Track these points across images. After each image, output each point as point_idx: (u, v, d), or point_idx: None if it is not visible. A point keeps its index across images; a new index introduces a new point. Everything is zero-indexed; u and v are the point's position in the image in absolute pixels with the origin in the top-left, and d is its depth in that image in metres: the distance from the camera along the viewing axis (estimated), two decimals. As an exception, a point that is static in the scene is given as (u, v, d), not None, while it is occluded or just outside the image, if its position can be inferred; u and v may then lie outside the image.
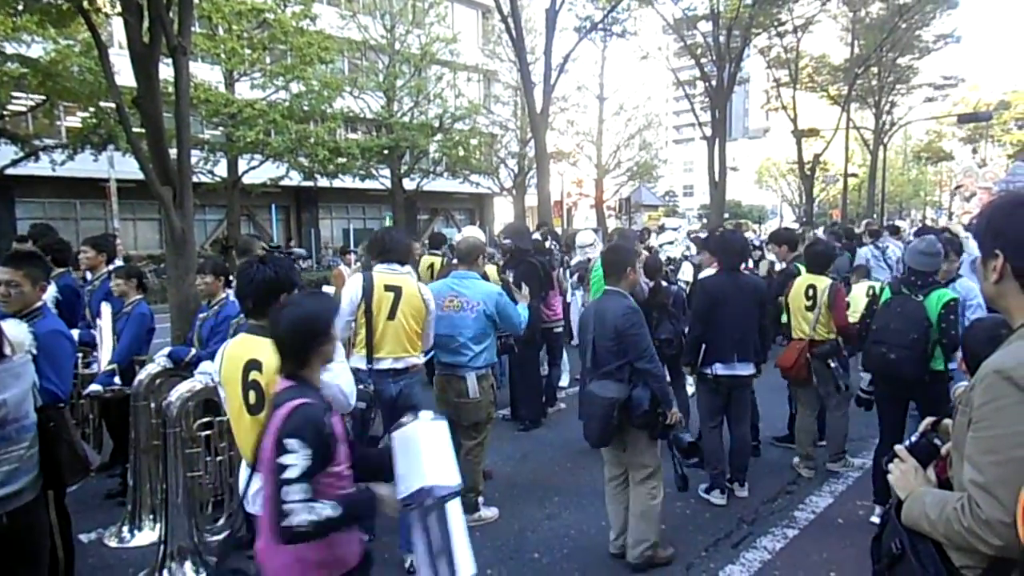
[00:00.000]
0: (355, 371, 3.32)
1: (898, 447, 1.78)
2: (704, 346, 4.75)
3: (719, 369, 4.72)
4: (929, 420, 1.88)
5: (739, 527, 4.44)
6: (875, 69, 29.06)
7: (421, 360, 4.19)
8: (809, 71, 29.26)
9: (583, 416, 3.84)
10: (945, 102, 39.00)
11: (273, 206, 14.50)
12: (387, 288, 4.02)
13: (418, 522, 1.70)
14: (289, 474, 1.91)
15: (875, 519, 4.45)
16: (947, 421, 1.80)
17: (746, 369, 4.74)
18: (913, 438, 1.84)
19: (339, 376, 2.58)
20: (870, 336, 4.48)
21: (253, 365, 2.57)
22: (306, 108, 18.04)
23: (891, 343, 4.27)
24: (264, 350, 2.51)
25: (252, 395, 2.57)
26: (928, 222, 32.50)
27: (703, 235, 10.89)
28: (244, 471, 2.69)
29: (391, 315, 4.00)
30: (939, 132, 47.29)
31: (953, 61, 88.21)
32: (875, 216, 29.64)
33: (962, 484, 1.47)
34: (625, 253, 4.09)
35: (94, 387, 4.46)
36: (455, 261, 4.90)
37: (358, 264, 9.10)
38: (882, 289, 4.80)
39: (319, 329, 2.23)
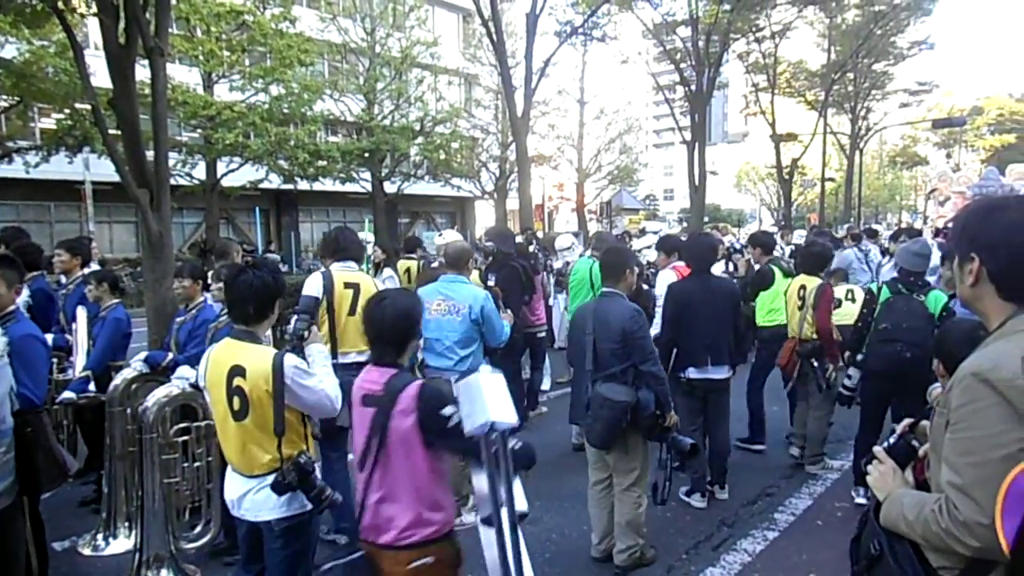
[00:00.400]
0: None
1: (876, 449, 1.79)
2: (676, 351, 4.75)
3: (692, 373, 4.70)
4: (907, 422, 1.90)
5: (719, 530, 4.46)
6: (851, 75, 29.55)
7: None
8: (787, 76, 29.67)
9: (585, 418, 3.80)
10: (920, 107, 39.82)
11: (256, 209, 14.35)
12: (346, 285, 4.14)
13: (484, 453, 1.83)
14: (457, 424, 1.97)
15: (861, 500, 4.63)
16: (924, 423, 1.82)
17: (720, 373, 4.73)
18: (891, 440, 1.86)
19: (324, 381, 2.60)
20: (878, 335, 4.54)
21: (237, 371, 2.54)
22: (286, 111, 17.90)
23: (906, 341, 4.36)
24: (249, 355, 2.55)
25: (236, 401, 2.54)
26: (905, 225, 33.01)
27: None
28: (230, 476, 2.69)
29: (351, 311, 4.10)
30: (914, 137, 48.12)
31: (927, 67, 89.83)
32: (852, 220, 30.06)
33: (939, 486, 1.49)
34: (624, 255, 4.15)
35: (67, 394, 4.38)
36: (435, 264, 4.92)
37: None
38: (879, 289, 4.82)
39: (415, 322, 2.45)
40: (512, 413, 1.96)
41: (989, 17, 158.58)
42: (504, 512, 1.77)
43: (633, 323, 3.73)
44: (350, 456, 2.89)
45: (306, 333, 3.05)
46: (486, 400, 1.96)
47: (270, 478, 2.53)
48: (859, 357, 4.73)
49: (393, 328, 2.37)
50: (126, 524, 4.20)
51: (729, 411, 5.00)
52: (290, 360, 2.54)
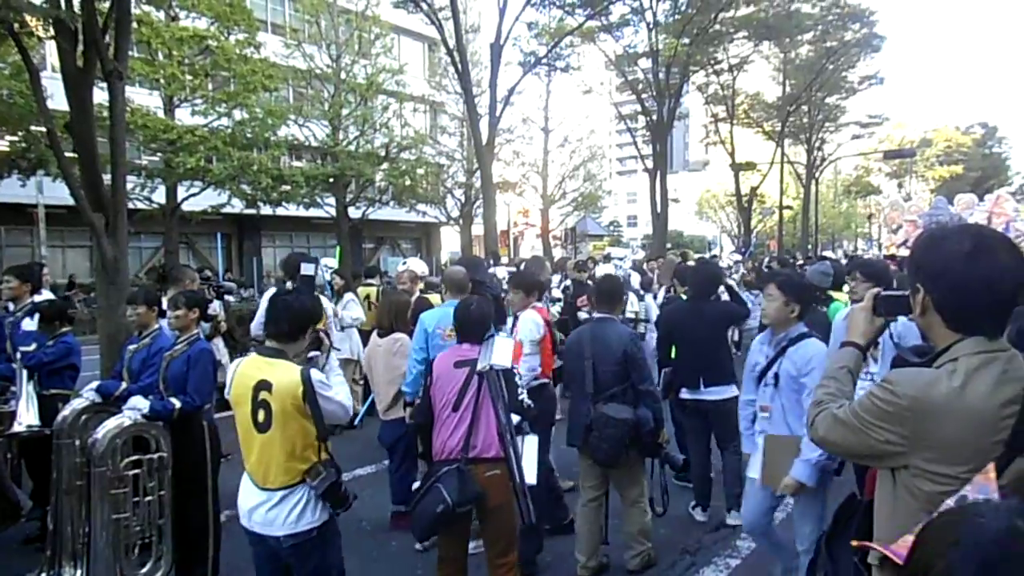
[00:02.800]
0: None
1: (874, 290, 1.87)
2: (670, 372, 5.02)
3: (684, 394, 4.94)
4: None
5: (682, 558, 4.46)
6: (805, 107, 30.55)
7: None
8: (745, 108, 30.51)
9: (586, 439, 3.94)
10: (871, 139, 41.23)
11: (219, 235, 14.14)
12: None
13: (489, 383, 3.27)
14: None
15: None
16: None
17: (717, 393, 4.81)
18: (890, 292, 1.89)
19: (340, 393, 2.87)
20: None
21: (263, 385, 2.73)
22: (249, 135, 17.72)
23: None
24: (276, 371, 2.75)
25: (261, 414, 2.73)
26: (859, 252, 33.91)
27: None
28: (246, 486, 2.84)
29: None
30: (867, 167, 49.71)
31: (878, 101, 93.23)
32: (809, 246, 30.82)
33: (882, 499, 1.60)
34: (619, 283, 4.59)
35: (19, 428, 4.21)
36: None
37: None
38: None
39: (491, 318, 3.65)
40: (508, 360, 3.30)
41: (936, 53, 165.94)
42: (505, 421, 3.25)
43: (634, 345, 4.05)
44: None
45: (324, 343, 3.15)
46: (493, 352, 3.32)
47: (278, 495, 2.72)
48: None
49: (480, 321, 3.50)
50: (72, 562, 4.01)
51: (735, 432, 4.96)
52: (315, 375, 2.77)
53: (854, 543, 1.60)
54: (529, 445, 3.48)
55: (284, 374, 2.73)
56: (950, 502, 1.43)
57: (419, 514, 3.28)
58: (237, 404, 2.82)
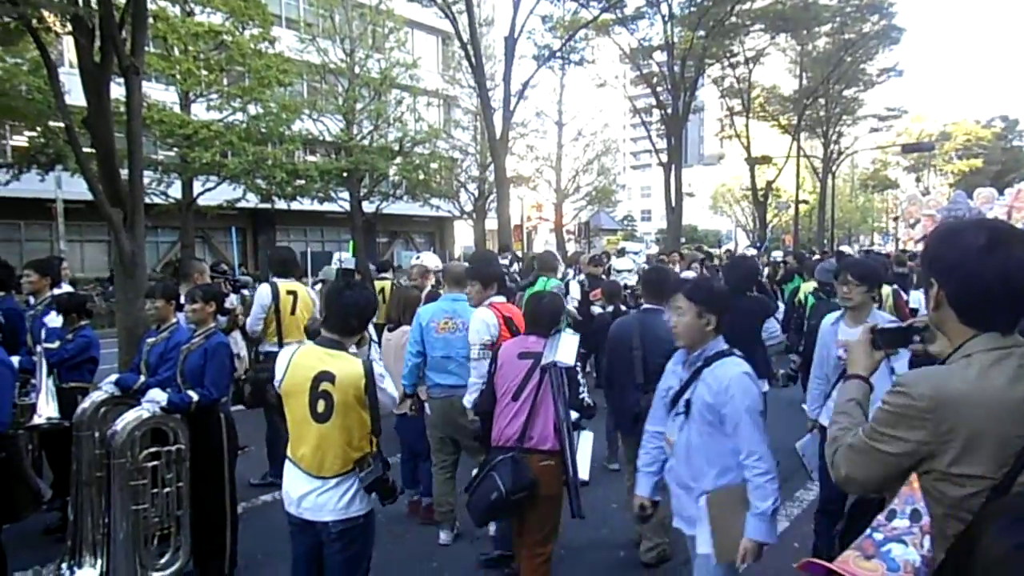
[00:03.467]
0: (268, 353, 5.38)
1: (869, 324, 1.85)
2: None
3: None
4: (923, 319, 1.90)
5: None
6: (822, 100, 30.20)
7: None
8: (761, 101, 30.24)
9: (636, 427, 3.87)
10: (889, 132, 40.74)
11: (234, 229, 14.33)
12: (288, 292, 5.61)
13: (552, 377, 3.31)
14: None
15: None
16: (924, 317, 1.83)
17: None
18: (889, 325, 1.88)
19: (389, 387, 2.98)
20: (811, 330, 5.65)
21: (325, 376, 2.79)
22: (264, 130, 17.81)
23: None
24: (338, 363, 2.82)
25: (321, 404, 2.79)
26: (876, 247, 33.59)
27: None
28: (293, 474, 2.89)
29: (292, 311, 5.56)
30: (884, 161, 49.19)
31: (897, 93, 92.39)
32: (825, 241, 30.57)
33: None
34: (667, 274, 4.70)
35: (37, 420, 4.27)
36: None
37: (314, 288, 8.98)
38: (806, 298, 6.76)
39: (561, 312, 3.81)
40: (571, 358, 3.34)
41: (956, 45, 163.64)
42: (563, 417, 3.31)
43: None
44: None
45: (364, 337, 3.18)
46: (558, 348, 3.32)
47: (332, 481, 2.80)
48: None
49: (550, 315, 3.57)
50: (92, 553, 4.07)
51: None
52: (377, 368, 2.90)
53: (803, 562, 1.57)
54: (585, 441, 3.50)
55: (347, 366, 2.81)
56: (881, 517, 1.45)
57: (475, 501, 3.39)
58: (291, 394, 2.86)
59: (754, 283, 5.52)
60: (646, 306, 4.31)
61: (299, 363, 2.87)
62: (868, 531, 1.46)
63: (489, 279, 4.32)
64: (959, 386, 1.45)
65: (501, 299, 4.34)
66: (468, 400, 4.05)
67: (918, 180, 51.70)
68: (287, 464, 2.93)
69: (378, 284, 8.07)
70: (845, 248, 22.12)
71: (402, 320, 4.96)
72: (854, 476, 1.58)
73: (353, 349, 3.00)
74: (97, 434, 4.02)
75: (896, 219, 39.38)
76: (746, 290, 5.21)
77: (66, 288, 5.82)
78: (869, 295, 3.75)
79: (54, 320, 4.74)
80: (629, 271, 9.67)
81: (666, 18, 21.98)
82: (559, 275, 8.13)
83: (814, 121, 31.92)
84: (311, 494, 2.82)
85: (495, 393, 3.55)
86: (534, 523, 3.42)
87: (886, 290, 7.11)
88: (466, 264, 5.04)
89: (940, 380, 1.49)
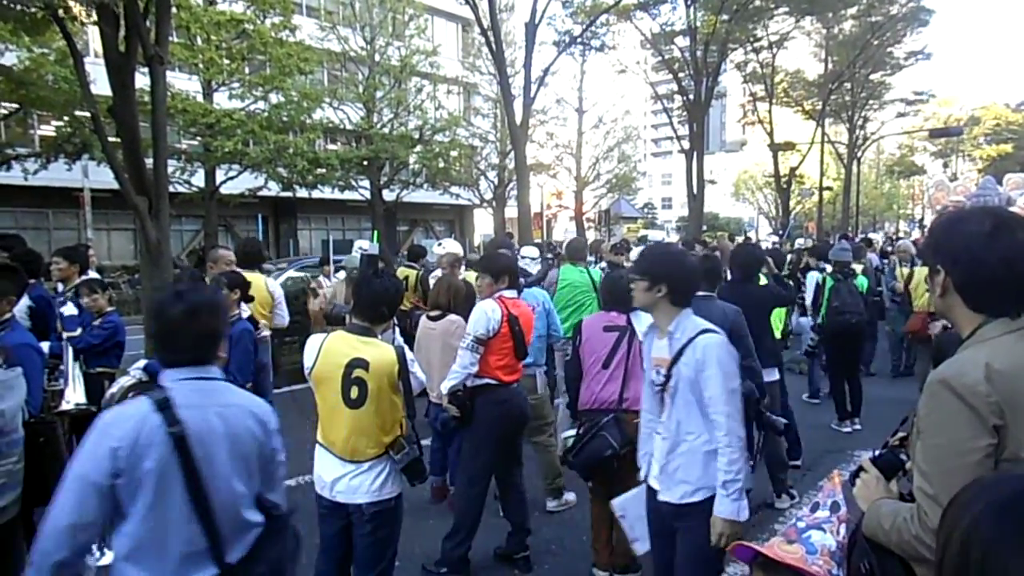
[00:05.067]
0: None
1: (863, 459, 1.80)
2: None
3: None
4: (897, 436, 1.90)
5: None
6: (848, 85, 29.64)
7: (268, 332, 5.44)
8: (784, 86, 29.75)
9: None
10: (916, 117, 39.86)
11: (259, 216, 14.44)
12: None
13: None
14: None
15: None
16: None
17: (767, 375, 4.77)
18: (878, 452, 1.86)
19: (418, 371, 3.05)
20: (833, 311, 6.83)
21: (359, 363, 2.83)
22: (285, 119, 17.90)
23: (851, 312, 6.82)
24: (371, 350, 2.87)
25: (355, 390, 2.83)
26: (902, 234, 33.05)
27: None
28: (324, 459, 2.93)
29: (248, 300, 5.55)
30: (911, 146, 48.23)
31: (924, 77, 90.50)
32: (850, 228, 30.12)
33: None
34: (719, 262, 5.00)
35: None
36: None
37: (336, 276, 9.02)
38: (824, 280, 7.09)
39: (629, 290, 3.56)
40: None
41: (986, 27, 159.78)
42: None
43: (738, 322, 4.10)
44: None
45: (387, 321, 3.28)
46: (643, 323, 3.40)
47: (366, 465, 2.86)
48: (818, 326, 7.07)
49: (624, 292, 3.51)
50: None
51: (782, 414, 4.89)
52: (409, 354, 2.97)
53: (733, 545, 1.59)
54: None
55: (381, 353, 2.87)
56: (805, 509, 1.44)
57: (584, 458, 3.70)
58: (323, 380, 2.89)
59: (758, 270, 5.39)
60: (700, 294, 4.20)
61: (331, 349, 2.90)
62: (792, 520, 1.52)
63: (499, 272, 4.14)
64: (1003, 362, 1.43)
65: (511, 293, 4.16)
66: (446, 386, 3.98)
67: (945, 166, 50.64)
68: (318, 449, 2.97)
69: (403, 272, 7.98)
70: (874, 235, 21.77)
71: (451, 309, 4.76)
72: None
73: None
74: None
75: (923, 206, 38.72)
76: (751, 277, 5.22)
77: (93, 275, 5.92)
78: (658, 294, 2.71)
79: (70, 310, 4.83)
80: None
81: (688, 2, 21.70)
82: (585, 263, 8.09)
83: (839, 106, 31.38)
84: (344, 478, 2.87)
85: (581, 364, 3.88)
86: (628, 473, 3.39)
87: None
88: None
89: (979, 363, 1.44)
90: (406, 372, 2.88)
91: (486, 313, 3.96)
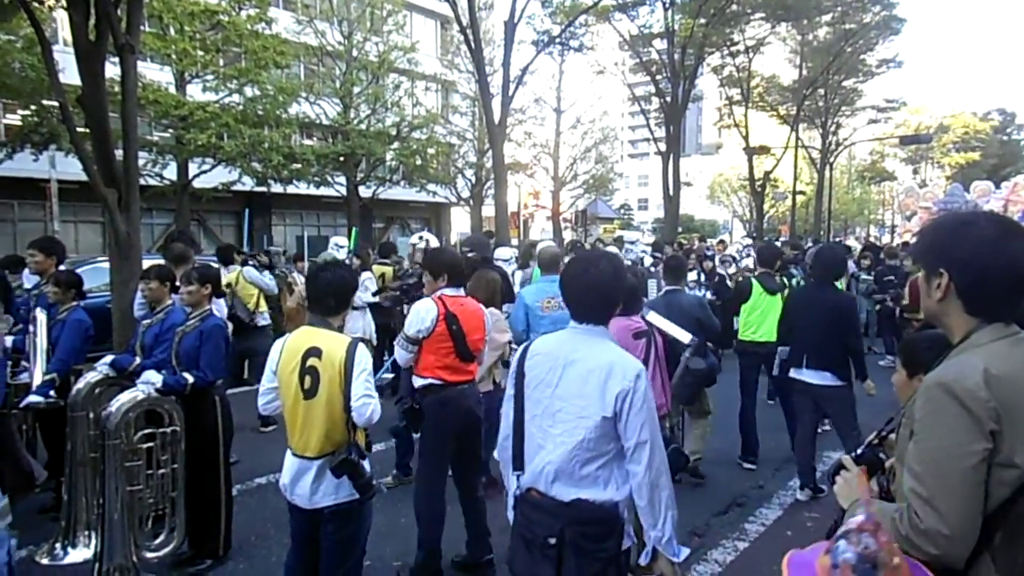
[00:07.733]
0: None
1: (844, 456, 1.82)
2: (786, 351, 5.25)
3: (792, 372, 5.08)
4: (876, 433, 1.92)
5: (690, 540, 4.46)
6: (822, 91, 30.12)
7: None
8: (760, 91, 30.12)
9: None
10: (888, 124, 40.68)
11: (247, 211, 14.34)
12: None
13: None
14: None
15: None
16: (893, 436, 1.84)
17: (818, 377, 4.88)
18: (859, 450, 1.88)
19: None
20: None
21: (313, 352, 2.83)
22: (260, 112, 17.67)
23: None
24: (326, 340, 2.86)
25: (308, 380, 2.82)
26: (872, 239, 33.66)
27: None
28: (289, 461, 2.91)
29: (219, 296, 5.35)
30: (882, 153, 49.13)
31: (896, 85, 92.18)
32: (822, 232, 30.58)
33: (904, 495, 1.50)
34: (684, 261, 5.83)
35: (33, 398, 4.25)
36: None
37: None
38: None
39: (642, 291, 4.60)
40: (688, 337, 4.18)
41: (956, 38, 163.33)
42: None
43: (703, 310, 5.18)
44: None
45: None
46: (674, 329, 4.15)
47: (319, 463, 2.81)
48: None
49: (633, 293, 3.89)
50: (86, 533, 4.08)
51: (850, 422, 4.89)
52: (360, 350, 2.87)
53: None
54: None
55: (334, 342, 2.86)
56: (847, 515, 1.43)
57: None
58: (284, 374, 2.89)
59: (837, 272, 5.57)
60: (667, 288, 5.23)
61: (291, 345, 2.93)
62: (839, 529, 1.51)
63: (439, 269, 3.93)
64: (1000, 367, 1.44)
65: (452, 291, 3.91)
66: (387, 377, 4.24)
67: (915, 172, 51.64)
68: (287, 453, 2.96)
69: (379, 269, 8.00)
70: (851, 241, 22.06)
71: (491, 303, 4.70)
72: (940, 520, 1.40)
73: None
74: (92, 415, 4.01)
75: (893, 211, 39.44)
76: (828, 280, 5.19)
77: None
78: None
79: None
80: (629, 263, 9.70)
81: (667, 5, 21.85)
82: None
83: (813, 112, 31.84)
84: (302, 480, 2.85)
85: None
86: None
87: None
88: (557, 249, 5.62)
89: (975, 368, 1.44)
90: (351, 364, 2.79)
91: (418, 312, 3.80)
